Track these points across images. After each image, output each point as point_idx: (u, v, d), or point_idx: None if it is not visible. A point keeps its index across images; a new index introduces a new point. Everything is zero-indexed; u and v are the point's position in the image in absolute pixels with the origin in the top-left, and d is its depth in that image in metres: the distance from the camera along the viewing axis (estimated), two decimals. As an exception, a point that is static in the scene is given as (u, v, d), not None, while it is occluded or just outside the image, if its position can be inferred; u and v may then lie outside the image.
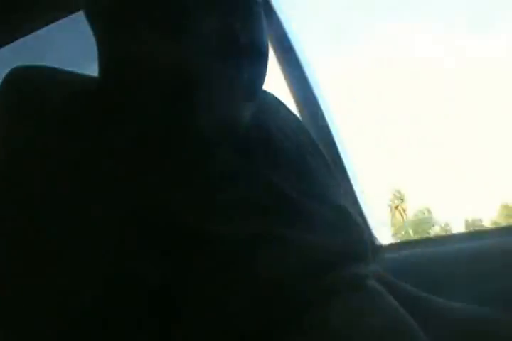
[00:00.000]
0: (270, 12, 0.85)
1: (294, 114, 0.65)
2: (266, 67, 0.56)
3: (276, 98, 0.69)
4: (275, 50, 0.99)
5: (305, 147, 0.59)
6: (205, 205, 0.46)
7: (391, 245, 1.55)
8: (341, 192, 0.59)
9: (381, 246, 1.39)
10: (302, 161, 0.56)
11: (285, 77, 0.99)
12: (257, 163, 0.51)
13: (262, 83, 0.53)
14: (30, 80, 0.53)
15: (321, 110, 0.98)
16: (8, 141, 0.52)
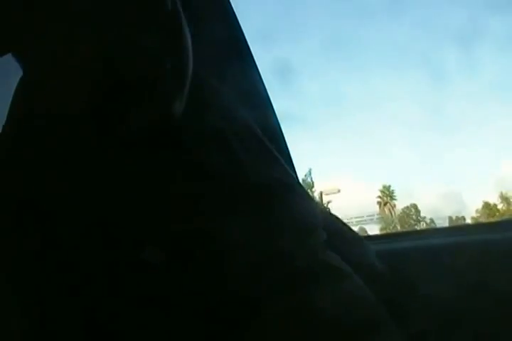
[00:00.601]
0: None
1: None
2: (188, 59, 0.50)
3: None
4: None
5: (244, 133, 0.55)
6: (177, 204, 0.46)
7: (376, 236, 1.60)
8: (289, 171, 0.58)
9: (369, 237, 1.44)
10: (245, 147, 0.52)
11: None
12: (193, 153, 0.49)
13: (187, 74, 0.50)
14: None
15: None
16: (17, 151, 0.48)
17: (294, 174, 0.60)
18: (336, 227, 0.59)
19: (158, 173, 0.47)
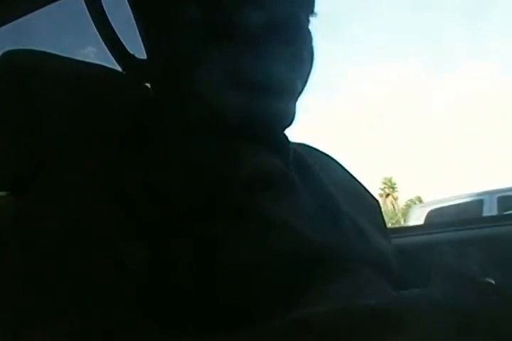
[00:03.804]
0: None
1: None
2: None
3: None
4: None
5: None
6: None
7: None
8: None
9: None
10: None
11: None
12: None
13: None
14: (21, 65, 0.50)
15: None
16: None
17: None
18: None
19: (138, 170, 0.45)
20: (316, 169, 0.55)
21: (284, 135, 0.54)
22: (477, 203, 4.26)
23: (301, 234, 0.46)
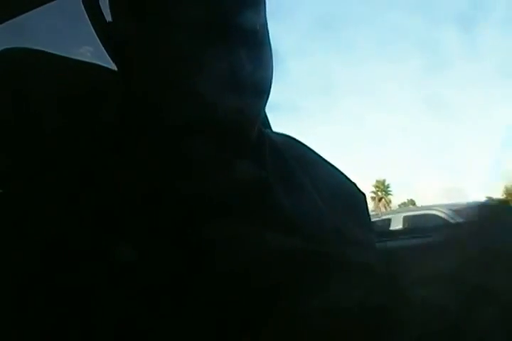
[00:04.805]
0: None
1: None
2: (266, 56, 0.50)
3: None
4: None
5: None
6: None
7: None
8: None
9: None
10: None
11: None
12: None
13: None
14: (18, 63, 0.51)
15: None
16: None
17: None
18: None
19: (130, 168, 0.45)
20: (299, 171, 0.55)
21: (262, 134, 0.54)
22: (387, 221, 4.96)
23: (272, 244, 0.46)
